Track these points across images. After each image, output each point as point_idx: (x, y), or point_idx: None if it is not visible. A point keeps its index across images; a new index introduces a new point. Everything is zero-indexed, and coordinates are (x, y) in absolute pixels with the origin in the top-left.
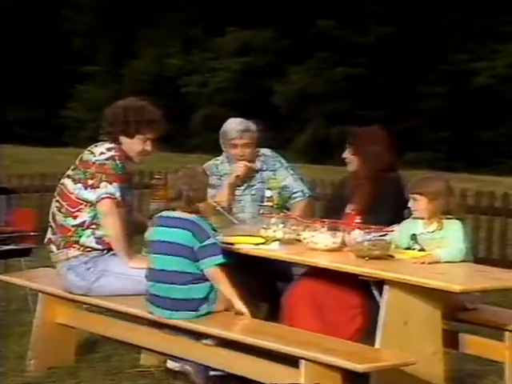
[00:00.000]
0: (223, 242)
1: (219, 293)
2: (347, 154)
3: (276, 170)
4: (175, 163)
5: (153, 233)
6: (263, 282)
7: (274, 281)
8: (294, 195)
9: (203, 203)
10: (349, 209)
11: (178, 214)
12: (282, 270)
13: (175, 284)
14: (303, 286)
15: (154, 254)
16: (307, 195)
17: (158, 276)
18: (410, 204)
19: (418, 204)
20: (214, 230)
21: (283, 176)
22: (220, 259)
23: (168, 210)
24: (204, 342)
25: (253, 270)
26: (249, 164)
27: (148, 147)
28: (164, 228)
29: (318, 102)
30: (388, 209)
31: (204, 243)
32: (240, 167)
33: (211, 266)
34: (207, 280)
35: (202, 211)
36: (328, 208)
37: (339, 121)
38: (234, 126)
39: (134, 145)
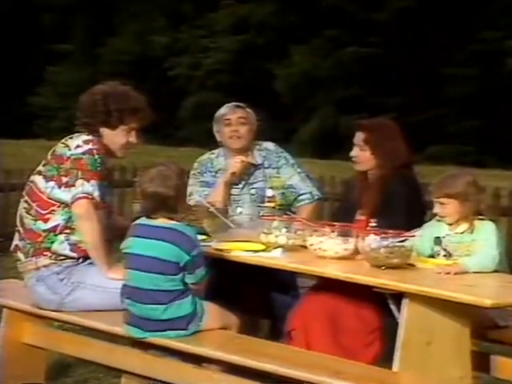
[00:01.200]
0: (217, 249)
1: (208, 307)
2: (357, 152)
3: (280, 168)
4: (162, 158)
5: (128, 244)
6: (264, 296)
7: (276, 294)
8: (301, 197)
9: (183, 206)
10: (359, 215)
11: (158, 222)
12: (286, 282)
13: (157, 304)
14: (312, 301)
15: (130, 268)
16: (316, 197)
17: (134, 294)
18: (436, 210)
19: (447, 208)
20: (205, 234)
21: (288, 175)
22: (206, 271)
23: (145, 216)
24: (207, 366)
25: (252, 282)
26: (246, 159)
27: (132, 139)
28: (142, 239)
29: (325, 87)
30: (402, 211)
31: (192, 254)
32: (236, 162)
33: (200, 280)
34: (191, 293)
35: (183, 215)
36: (336, 215)
37: (350, 109)
38: (226, 104)
39: (116, 137)
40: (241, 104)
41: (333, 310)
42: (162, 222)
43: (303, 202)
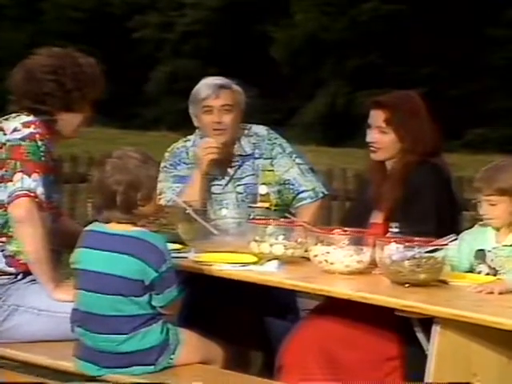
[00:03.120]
0: (196, 262)
1: (184, 336)
2: (375, 136)
3: (274, 158)
4: (124, 145)
5: (78, 257)
6: (255, 321)
7: (270, 319)
8: (301, 195)
9: (149, 206)
10: (376, 217)
11: (115, 228)
12: (283, 304)
13: (116, 333)
14: (313, 327)
15: (80, 289)
16: (321, 195)
17: (87, 321)
18: (482, 210)
19: (496, 209)
20: (180, 242)
21: (285, 167)
22: (179, 290)
23: (99, 221)
24: None
25: (240, 304)
26: (220, 138)
27: (89, 113)
28: (95, 252)
29: (335, 54)
30: (432, 212)
31: (160, 270)
32: (210, 146)
33: (170, 302)
34: (161, 318)
35: (150, 218)
36: (347, 218)
37: (367, 82)
38: (206, 81)
39: (75, 118)
40: (226, 82)
41: (337, 338)
42: (120, 228)
43: (304, 202)
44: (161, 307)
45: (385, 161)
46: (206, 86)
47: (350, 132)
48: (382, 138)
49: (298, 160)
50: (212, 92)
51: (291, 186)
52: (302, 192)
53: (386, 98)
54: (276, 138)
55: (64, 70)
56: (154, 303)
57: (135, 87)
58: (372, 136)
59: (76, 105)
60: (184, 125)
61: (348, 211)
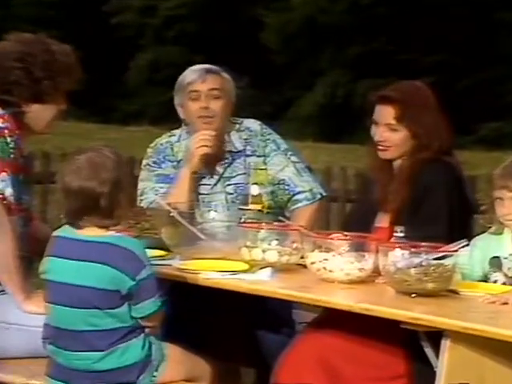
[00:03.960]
0: (181, 269)
1: (169, 351)
2: (386, 134)
3: (268, 156)
4: (102, 140)
5: (46, 266)
6: (247, 336)
7: (263, 333)
8: (297, 197)
9: (126, 209)
10: (380, 220)
11: (88, 234)
12: (278, 316)
13: (91, 350)
14: (311, 341)
15: (50, 302)
16: (318, 197)
17: (59, 337)
18: (500, 210)
19: None
20: (163, 248)
21: (280, 165)
22: (162, 299)
23: (69, 225)
24: None
25: (230, 316)
26: (209, 127)
27: (63, 106)
28: (65, 261)
29: (335, 40)
30: (442, 215)
31: (138, 278)
32: (201, 139)
33: (150, 314)
34: (142, 332)
35: (130, 222)
36: (348, 221)
37: (370, 71)
38: (192, 68)
39: (46, 111)
40: (214, 67)
41: (337, 353)
42: (93, 233)
43: (300, 204)
44: (141, 318)
45: (392, 159)
46: (191, 71)
47: (350, 126)
48: (391, 136)
49: (293, 158)
50: (198, 76)
51: (286, 187)
52: (298, 193)
53: (393, 92)
54: (270, 134)
55: (34, 57)
56: (133, 314)
57: (114, 77)
58: (380, 134)
59: (47, 96)
60: (168, 118)
61: (349, 214)
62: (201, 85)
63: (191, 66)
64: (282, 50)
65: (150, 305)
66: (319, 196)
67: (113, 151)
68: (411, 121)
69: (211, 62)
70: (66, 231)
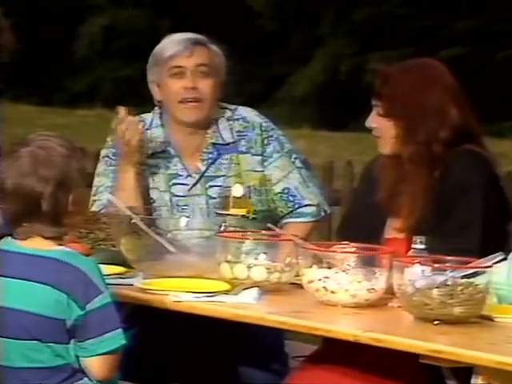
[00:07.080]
0: (145, 290)
1: None
2: (375, 120)
3: (269, 157)
4: (43, 127)
5: None
6: (228, 372)
7: (248, 370)
8: (302, 210)
9: (77, 214)
10: (389, 229)
11: (31, 245)
12: (267, 348)
13: None
14: (308, 380)
15: None
16: (322, 214)
17: None
18: None
19: None
20: (122, 264)
21: (283, 171)
22: (122, 339)
23: (8, 235)
24: None
25: (207, 348)
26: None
27: None
28: (3, 279)
29: (336, 2)
30: (471, 221)
31: (89, 308)
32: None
33: (107, 353)
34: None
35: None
36: (343, 229)
37: (382, 42)
38: (173, 37)
39: None
40: (200, 37)
41: None
42: (39, 245)
43: (303, 219)
44: (86, 358)
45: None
46: (173, 41)
47: (356, 110)
48: (382, 124)
49: (298, 162)
50: (183, 48)
51: (291, 198)
52: (305, 206)
53: (384, 89)
54: (272, 130)
55: None
56: (77, 354)
57: (58, 49)
58: (371, 120)
59: None
60: (126, 99)
61: (346, 218)
62: (186, 59)
63: (154, 32)
64: (271, 14)
65: (99, 344)
66: (323, 214)
67: (64, 142)
68: (401, 109)
69: (179, 28)
70: (7, 244)
